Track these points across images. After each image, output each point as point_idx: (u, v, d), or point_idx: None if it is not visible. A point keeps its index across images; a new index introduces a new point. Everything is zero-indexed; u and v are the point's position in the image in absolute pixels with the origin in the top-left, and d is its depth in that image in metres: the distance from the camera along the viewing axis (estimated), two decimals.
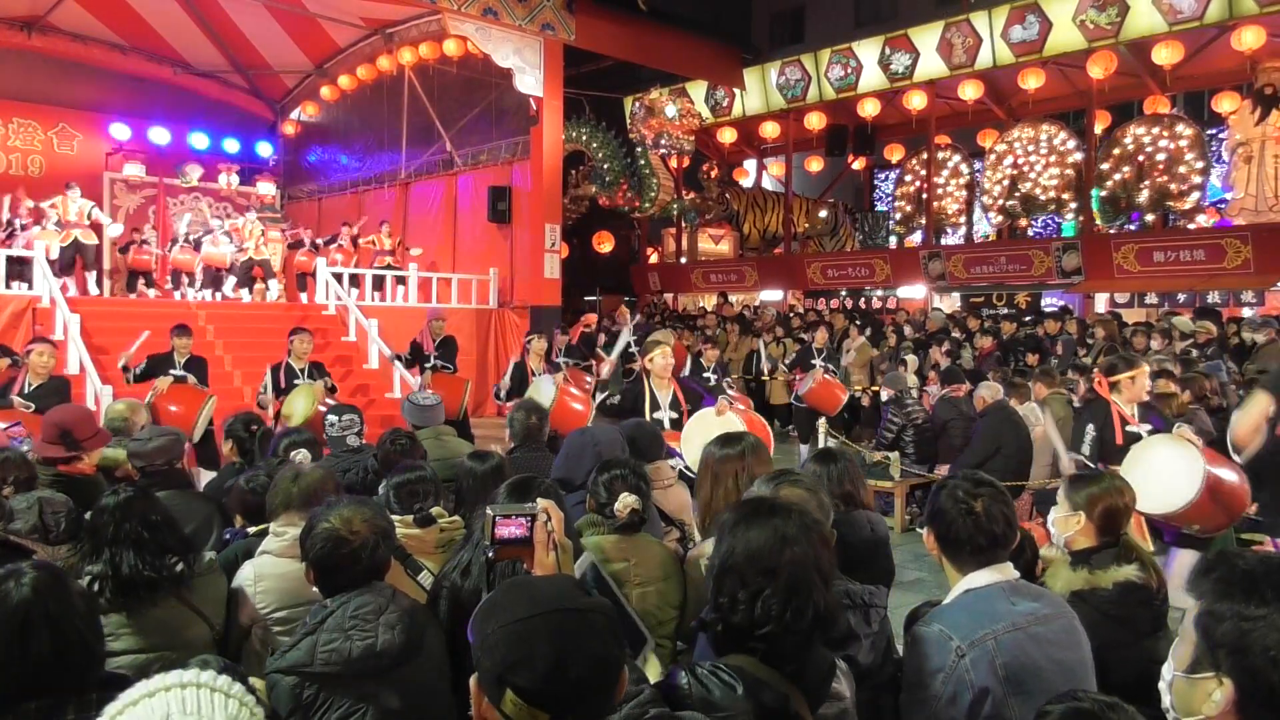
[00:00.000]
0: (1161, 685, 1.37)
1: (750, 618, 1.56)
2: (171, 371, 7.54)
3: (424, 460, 3.83)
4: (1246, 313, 12.95)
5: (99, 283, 12.67)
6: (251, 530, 3.18)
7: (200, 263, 13.12)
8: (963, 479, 2.11)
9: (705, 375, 9.12)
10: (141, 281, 13.77)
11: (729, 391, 5.71)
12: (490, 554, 1.86)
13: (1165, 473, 4.22)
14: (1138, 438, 4.81)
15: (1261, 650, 1.21)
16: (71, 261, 11.99)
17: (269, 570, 2.71)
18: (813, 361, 10.19)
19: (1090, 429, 5.13)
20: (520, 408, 4.63)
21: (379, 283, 13.45)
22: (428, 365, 9.37)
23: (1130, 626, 2.54)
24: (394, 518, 2.82)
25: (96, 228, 12.23)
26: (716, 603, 1.62)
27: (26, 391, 6.36)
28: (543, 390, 6.76)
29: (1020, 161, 15.43)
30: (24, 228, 11.99)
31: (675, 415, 5.68)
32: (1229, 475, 4.22)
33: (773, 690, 1.55)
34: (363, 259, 14.40)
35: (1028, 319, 13.50)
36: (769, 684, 1.55)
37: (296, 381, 7.45)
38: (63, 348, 8.61)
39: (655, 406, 5.74)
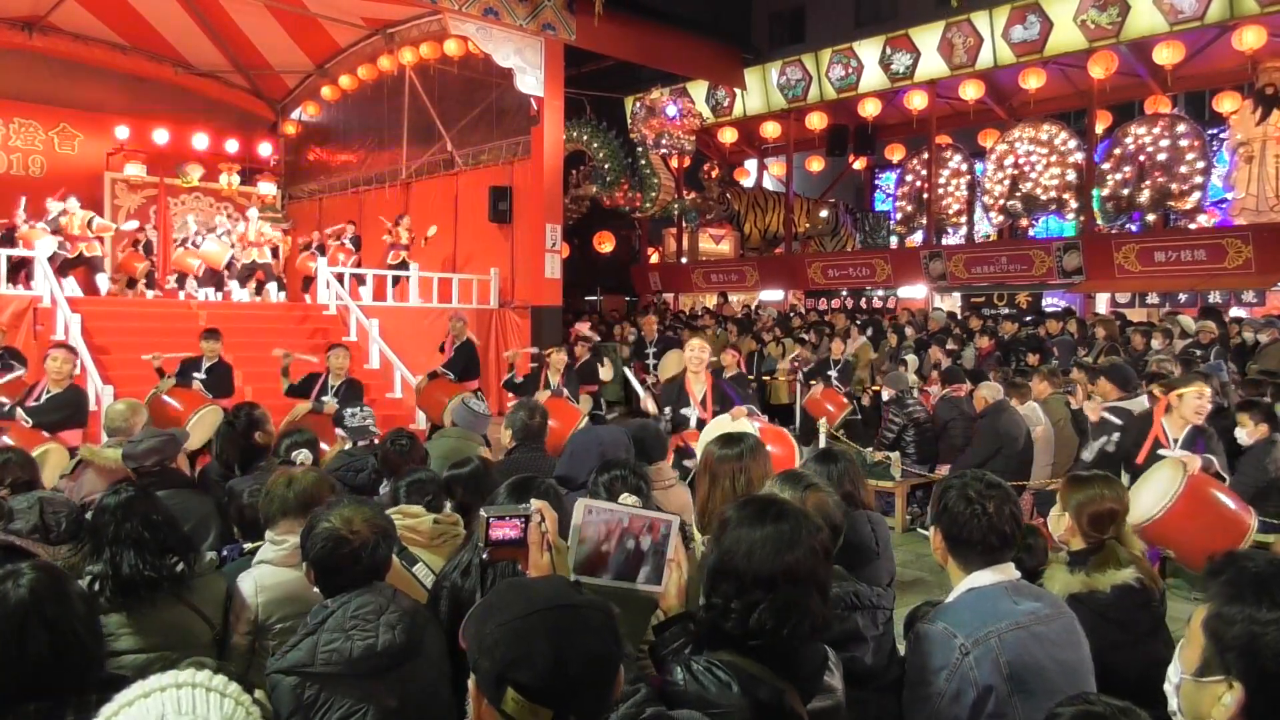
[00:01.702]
0: (1168, 688, 1.36)
1: (743, 628, 1.55)
2: (195, 375, 7.57)
3: (425, 462, 3.84)
4: (1236, 312, 12.92)
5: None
6: (247, 546, 3.12)
7: (200, 263, 13.12)
8: (972, 479, 2.11)
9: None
10: (192, 282, 13.56)
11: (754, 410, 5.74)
12: (485, 555, 1.85)
13: (1151, 491, 4.18)
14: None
15: (1273, 654, 1.20)
16: (73, 267, 12.00)
17: (269, 580, 2.68)
18: (829, 373, 10.28)
19: (1114, 437, 4.88)
20: (519, 407, 4.62)
21: (391, 281, 13.44)
22: (434, 373, 9.29)
23: (1128, 629, 2.56)
24: (400, 508, 2.86)
25: (100, 237, 12.29)
26: (709, 602, 1.61)
27: (44, 398, 6.25)
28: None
29: (1021, 161, 15.43)
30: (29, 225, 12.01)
31: (702, 415, 5.62)
32: (1224, 501, 4.11)
33: (768, 686, 1.54)
34: (374, 255, 14.39)
35: (1029, 319, 13.49)
36: (764, 680, 1.55)
37: (323, 399, 7.32)
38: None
39: (686, 403, 5.73)
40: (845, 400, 9.41)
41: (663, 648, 1.78)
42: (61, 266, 11.72)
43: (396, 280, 13.66)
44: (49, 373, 6.28)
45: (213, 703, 1.13)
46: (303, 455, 3.92)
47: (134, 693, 1.14)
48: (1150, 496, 4.14)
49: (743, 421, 5.21)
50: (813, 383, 10.22)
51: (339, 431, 5.36)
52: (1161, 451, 4.77)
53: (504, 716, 1.18)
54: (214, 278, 13.42)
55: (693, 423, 5.52)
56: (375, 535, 2.25)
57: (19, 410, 6.04)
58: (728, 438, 2.96)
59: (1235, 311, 13.01)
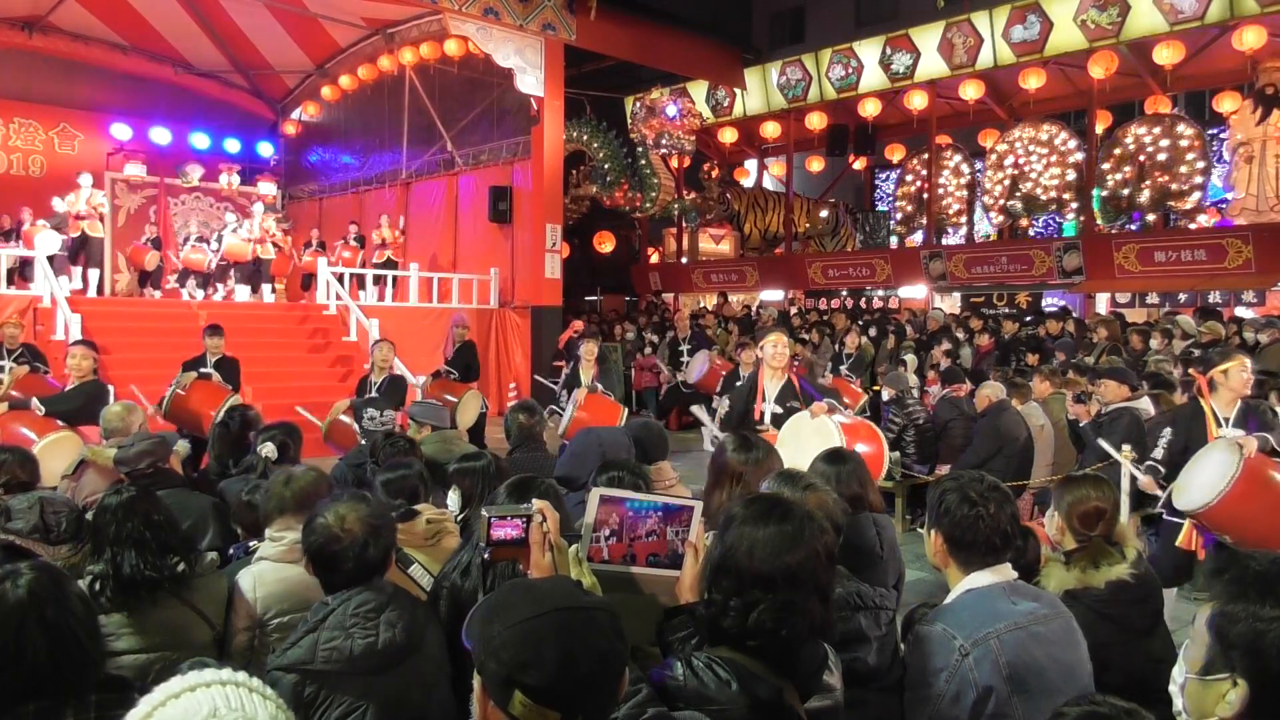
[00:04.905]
0: (1173, 688, 1.36)
1: (741, 627, 1.55)
2: (201, 370, 7.53)
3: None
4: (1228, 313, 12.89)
5: (100, 287, 12.64)
6: (253, 545, 3.14)
7: (218, 259, 13.14)
8: (970, 481, 2.11)
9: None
10: (192, 281, 13.52)
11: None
12: (486, 555, 1.84)
13: (1205, 474, 4.05)
14: None
15: (1277, 652, 1.20)
16: (77, 254, 12.00)
17: (268, 576, 2.69)
18: (840, 367, 10.59)
19: (1168, 433, 4.74)
20: (516, 409, 4.64)
21: (379, 280, 13.43)
22: (438, 373, 9.29)
23: (1124, 625, 2.58)
24: None
25: (101, 216, 12.30)
26: (710, 597, 1.61)
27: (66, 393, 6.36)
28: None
29: (1021, 161, 15.42)
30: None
31: (779, 410, 5.25)
32: None
33: (767, 684, 1.54)
34: (365, 254, 14.39)
35: (1028, 319, 13.48)
36: (763, 678, 1.54)
37: (370, 396, 7.04)
38: (61, 348, 8.58)
39: (762, 398, 5.38)
40: (858, 391, 9.40)
41: (669, 634, 1.77)
42: (74, 256, 11.76)
43: (395, 280, 13.65)
44: (70, 370, 6.45)
45: (257, 702, 1.13)
46: (266, 449, 3.91)
47: (179, 685, 1.12)
48: (1204, 481, 3.99)
49: (823, 418, 4.92)
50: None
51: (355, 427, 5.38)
52: (1219, 432, 4.57)
53: (511, 719, 1.18)
54: (222, 274, 13.44)
55: (767, 420, 5.23)
56: (366, 534, 2.22)
57: (34, 400, 6.08)
58: (742, 440, 2.91)
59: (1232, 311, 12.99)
